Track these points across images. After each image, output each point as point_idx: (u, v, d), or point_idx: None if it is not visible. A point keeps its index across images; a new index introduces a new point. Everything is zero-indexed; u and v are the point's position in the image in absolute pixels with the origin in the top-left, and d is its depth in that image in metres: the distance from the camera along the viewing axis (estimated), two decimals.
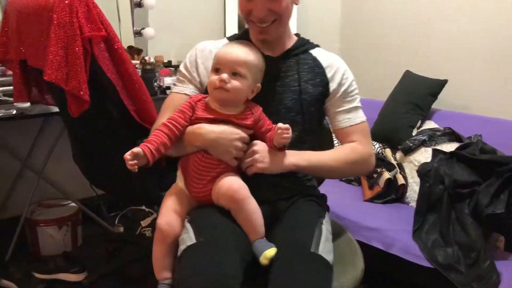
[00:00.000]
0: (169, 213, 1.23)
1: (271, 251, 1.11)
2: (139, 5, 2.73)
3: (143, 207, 2.88)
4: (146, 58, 2.46)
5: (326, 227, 1.26)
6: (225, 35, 3.16)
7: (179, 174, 1.31)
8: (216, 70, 1.23)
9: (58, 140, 2.42)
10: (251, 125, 1.25)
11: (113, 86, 1.47)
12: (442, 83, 2.50)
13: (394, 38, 3.01)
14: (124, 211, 2.83)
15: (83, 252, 2.41)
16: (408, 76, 2.66)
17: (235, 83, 1.20)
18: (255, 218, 1.18)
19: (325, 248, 1.16)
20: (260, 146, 1.25)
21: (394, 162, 2.32)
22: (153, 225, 2.46)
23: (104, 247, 2.42)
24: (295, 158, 1.29)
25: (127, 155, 1.11)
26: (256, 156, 1.24)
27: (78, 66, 1.37)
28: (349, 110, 1.37)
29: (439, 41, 2.75)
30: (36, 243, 2.32)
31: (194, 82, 1.38)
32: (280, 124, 1.19)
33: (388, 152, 2.42)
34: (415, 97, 2.51)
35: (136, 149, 1.13)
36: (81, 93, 1.39)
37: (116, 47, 1.45)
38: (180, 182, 1.29)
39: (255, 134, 1.28)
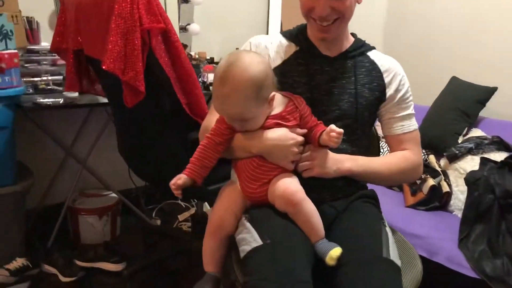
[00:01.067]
0: (224, 208, 1.22)
1: (336, 251, 1.08)
2: (186, 0, 2.74)
3: (179, 201, 2.91)
4: (192, 53, 2.47)
5: (389, 230, 1.23)
6: (267, 34, 3.16)
7: (233, 172, 1.29)
8: None
9: (102, 132, 2.46)
10: (298, 123, 1.22)
11: (168, 78, 1.48)
12: (491, 91, 2.43)
13: (441, 42, 2.94)
14: (161, 205, 2.86)
15: (121, 243, 2.44)
16: (455, 82, 2.59)
17: (248, 126, 1.17)
18: (314, 220, 1.15)
19: (394, 252, 1.13)
20: (319, 152, 1.23)
21: (439, 169, 2.26)
22: (192, 219, 2.47)
23: (142, 238, 2.45)
24: (350, 163, 1.27)
25: (172, 184, 1.13)
26: (315, 161, 1.21)
27: (136, 57, 1.39)
28: (403, 118, 1.35)
29: (488, 47, 2.68)
30: (77, 231, 2.35)
31: None
32: (333, 127, 1.14)
33: (432, 158, 2.36)
34: (462, 104, 2.45)
35: (182, 180, 1.13)
36: (137, 83, 1.41)
37: (173, 40, 1.46)
38: (234, 179, 1.28)
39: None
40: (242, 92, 1.09)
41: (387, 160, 1.35)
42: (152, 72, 1.46)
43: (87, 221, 2.34)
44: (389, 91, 1.33)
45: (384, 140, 1.46)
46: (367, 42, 1.40)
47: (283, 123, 1.19)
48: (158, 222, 2.66)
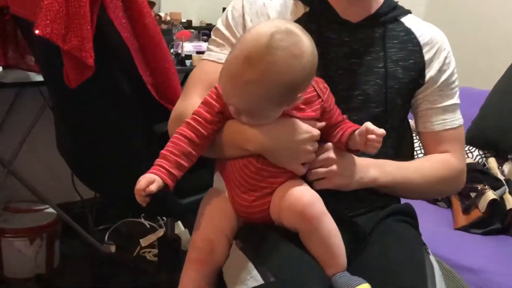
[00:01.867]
0: (213, 228, 1.18)
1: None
2: None
3: (142, 220, 2.91)
4: (161, 14, 2.47)
5: (433, 260, 1.23)
6: None
7: (218, 177, 1.28)
8: None
9: (36, 122, 2.45)
10: (317, 117, 1.21)
11: (127, 48, 1.48)
12: None
13: (507, 5, 2.95)
14: (116, 224, 2.86)
15: (60, 277, 2.43)
16: None
17: (252, 121, 1.13)
18: (334, 243, 1.13)
19: None
20: (341, 155, 1.22)
21: (501, 177, 2.27)
22: (160, 245, 2.47)
23: (89, 271, 2.45)
24: (376, 171, 1.27)
25: (141, 190, 1.05)
26: (335, 167, 1.20)
27: (82, 18, 1.39)
28: (446, 109, 1.37)
29: None
30: None
31: None
32: (371, 126, 1.12)
33: (492, 162, 2.38)
34: None
35: (155, 185, 1.06)
36: (84, 54, 1.40)
37: None
38: (220, 186, 1.25)
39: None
40: (269, 90, 1.05)
41: (423, 166, 1.37)
42: (104, 39, 1.46)
43: (13, 247, 2.33)
44: (430, 72, 1.35)
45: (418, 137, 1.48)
46: (405, 6, 1.41)
47: (295, 114, 1.17)
48: (113, 248, 2.67)
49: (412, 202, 1.44)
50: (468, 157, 2.48)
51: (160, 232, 2.77)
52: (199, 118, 1.15)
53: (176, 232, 2.35)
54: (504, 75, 2.62)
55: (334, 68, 1.29)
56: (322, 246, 1.13)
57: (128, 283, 2.41)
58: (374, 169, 1.27)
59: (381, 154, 1.29)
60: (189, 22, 2.84)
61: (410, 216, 1.37)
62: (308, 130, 1.16)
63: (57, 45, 1.41)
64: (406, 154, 1.56)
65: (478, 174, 2.30)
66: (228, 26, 1.33)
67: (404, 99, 1.35)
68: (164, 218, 2.74)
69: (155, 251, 2.63)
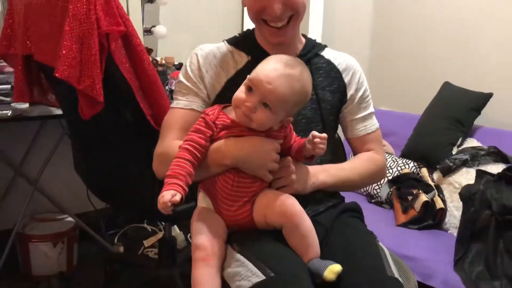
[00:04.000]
0: (209, 234, 1.16)
1: (336, 266, 1.10)
2: (150, 0, 2.76)
3: (145, 225, 2.90)
4: (158, 58, 2.48)
5: (383, 245, 1.27)
6: None
7: (202, 196, 1.26)
8: (249, 88, 1.15)
9: (56, 147, 2.44)
10: (281, 139, 1.25)
11: (129, 87, 1.49)
12: (486, 97, 2.49)
13: (432, 45, 3.00)
14: (124, 229, 2.84)
15: (79, 273, 2.42)
16: (448, 88, 2.66)
17: (260, 115, 1.14)
18: (313, 234, 1.17)
19: (394, 269, 1.17)
20: (297, 165, 1.26)
21: (432, 184, 2.31)
22: (159, 245, 2.45)
23: (103, 268, 2.42)
24: (323, 175, 1.32)
25: (168, 201, 1.04)
26: (294, 176, 1.23)
27: (93, 63, 1.40)
28: (365, 118, 1.45)
29: (483, 49, 2.75)
30: (28, 261, 2.32)
31: (201, 95, 1.36)
32: (316, 133, 1.19)
33: (424, 172, 2.41)
34: (455, 111, 2.51)
35: (178, 196, 1.07)
36: (95, 92, 1.41)
37: (135, 44, 1.47)
38: (206, 204, 1.24)
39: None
40: (301, 84, 1.16)
41: (356, 166, 1.42)
42: (111, 80, 1.47)
43: (39, 249, 2.31)
44: (350, 91, 1.42)
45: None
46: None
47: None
48: (121, 249, 2.65)
49: (362, 205, 1.48)
50: (405, 168, 2.52)
51: (160, 235, 2.75)
52: (195, 144, 1.17)
53: (172, 234, 2.34)
54: (430, 104, 2.69)
55: None
56: (302, 238, 1.16)
57: (134, 277, 2.40)
58: (322, 174, 1.32)
59: (323, 161, 1.37)
60: (180, 64, 2.85)
61: (358, 212, 1.42)
62: (271, 142, 1.20)
63: (73, 86, 1.43)
64: (341, 157, 1.60)
65: (413, 182, 2.35)
66: (188, 78, 1.36)
67: (334, 116, 1.43)
68: (162, 223, 2.74)
69: (156, 250, 2.63)
